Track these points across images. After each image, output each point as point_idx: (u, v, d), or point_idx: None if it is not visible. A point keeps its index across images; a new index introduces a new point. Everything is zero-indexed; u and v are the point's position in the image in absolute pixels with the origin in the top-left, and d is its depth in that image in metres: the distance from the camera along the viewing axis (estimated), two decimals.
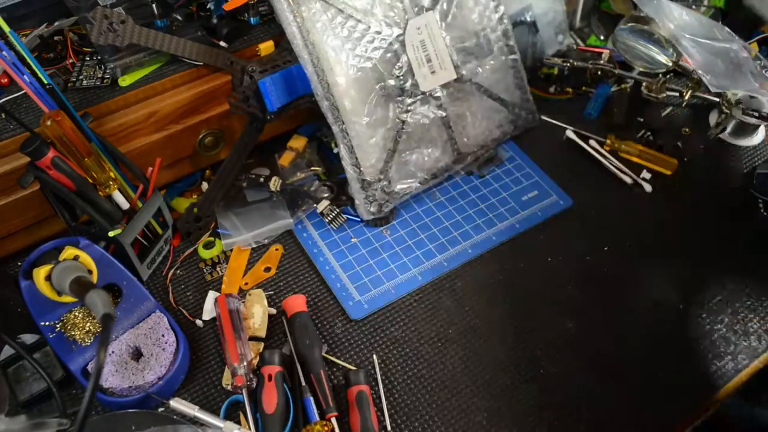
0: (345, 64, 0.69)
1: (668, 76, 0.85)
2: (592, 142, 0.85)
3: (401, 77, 0.73)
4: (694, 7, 0.87)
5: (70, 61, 0.74)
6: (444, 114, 0.76)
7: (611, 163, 0.82)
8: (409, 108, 0.74)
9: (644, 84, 0.86)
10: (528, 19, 0.90)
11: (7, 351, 0.62)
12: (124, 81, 0.72)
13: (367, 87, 0.71)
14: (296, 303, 0.67)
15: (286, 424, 0.59)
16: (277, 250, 0.75)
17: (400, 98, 0.73)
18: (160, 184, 0.77)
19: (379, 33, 0.71)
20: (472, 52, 0.78)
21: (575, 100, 0.92)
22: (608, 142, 0.84)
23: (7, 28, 0.59)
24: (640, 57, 0.86)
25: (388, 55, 0.72)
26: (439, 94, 0.76)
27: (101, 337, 0.49)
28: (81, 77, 0.72)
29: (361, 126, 0.71)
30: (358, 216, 0.75)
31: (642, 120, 0.88)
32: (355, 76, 0.70)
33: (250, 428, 0.59)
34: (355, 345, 0.66)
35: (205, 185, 0.80)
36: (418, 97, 0.74)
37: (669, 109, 0.89)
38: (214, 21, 0.75)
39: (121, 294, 0.64)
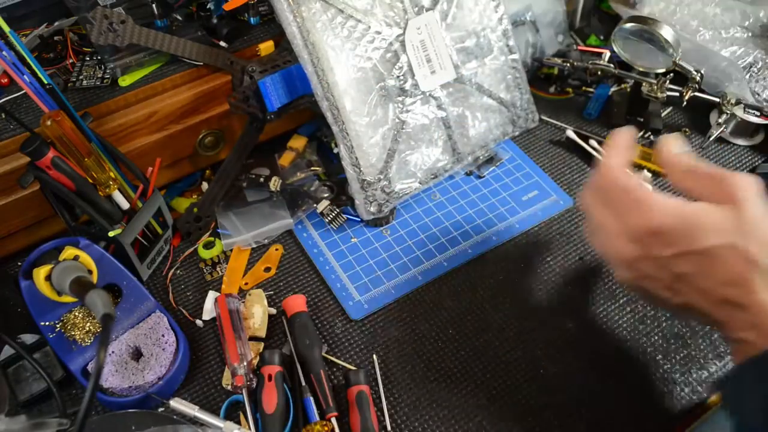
0: (345, 64, 0.69)
1: (668, 76, 0.85)
2: (592, 142, 0.85)
3: (401, 77, 0.73)
4: None
5: (70, 61, 0.74)
6: (444, 114, 0.76)
7: None
8: (409, 108, 0.74)
9: (644, 84, 0.86)
10: (528, 19, 0.91)
11: (7, 351, 0.62)
12: (124, 81, 0.72)
13: (367, 87, 0.71)
14: (296, 303, 0.67)
15: (286, 424, 0.59)
16: (277, 250, 0.75)
17: (400, 98, 0.73)
18: (160, 184, 0.77)
19: (379, 33, 0.71)
20: (472, 52, 0.78)
21: (575, 100, 0.92)
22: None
23: (7, 28, 0.59)
24: (640, 57, 0.86)
25: (388, 55, 0.72)
26: (439, 94, 0.75)
27: (101, 337, 0.49)
28: (81, 77, 0.72)
29: (360, 126, 0.71)
30: (358, 216, 0.75)
31: (642, 120, 0.88)
32: (355, 76, 0.70)
33: (250, 428, 0.59)
34: (355, 345, 0.66)
35: (205, 185, 0.80)
36: (418, 97, 0.74)
37: (669, 109, 0.89)
38: (214, 21, 0.75)
39: (121, 294, 0.64)
